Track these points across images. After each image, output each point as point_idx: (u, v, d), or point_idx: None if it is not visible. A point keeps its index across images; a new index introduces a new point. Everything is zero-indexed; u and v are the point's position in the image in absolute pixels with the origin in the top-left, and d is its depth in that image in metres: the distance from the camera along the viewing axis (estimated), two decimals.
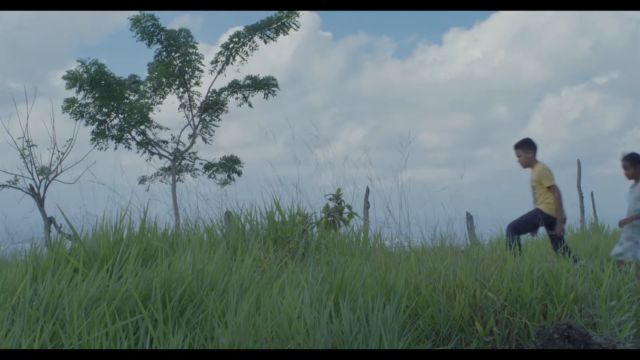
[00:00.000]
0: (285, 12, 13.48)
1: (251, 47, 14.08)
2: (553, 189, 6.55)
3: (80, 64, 13.03)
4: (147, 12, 13.21)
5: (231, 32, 14.09)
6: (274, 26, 13.71)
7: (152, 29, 13.35)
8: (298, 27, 13.83)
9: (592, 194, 12.33)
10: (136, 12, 13.21)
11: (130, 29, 13.31)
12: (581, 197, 11.93)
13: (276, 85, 14.57)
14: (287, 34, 13.90)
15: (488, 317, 3.28)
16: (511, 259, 3.83)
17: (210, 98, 14.44)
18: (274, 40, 13.98)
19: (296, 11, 13.55)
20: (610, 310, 3.44)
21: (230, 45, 14.04)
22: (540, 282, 3.54)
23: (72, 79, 13.04)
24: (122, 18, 14.82)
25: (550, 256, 4.81)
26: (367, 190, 8.32)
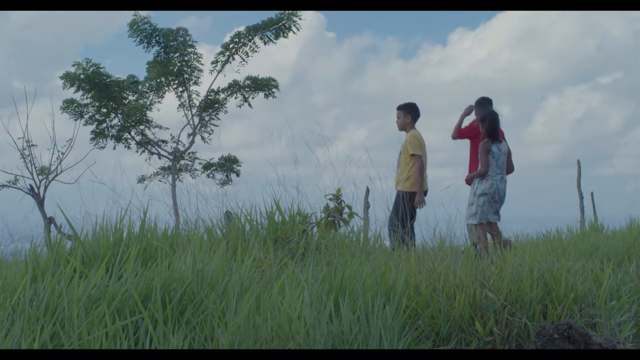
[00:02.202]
0: (286, 13, 13.46)
1: (251, 48, 14.05)
2: (416, 158, 6.68)
3: (77, 65, 13.03)
4: (143, 15, 13.20)
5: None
6: (273, 27, 13.69)
7: (150, 31, 13.33)
8: (298, 29, 13.80)
9: (592, 194, 12.33)
10: (133, 17, 13.18)
11: (129, 36, 13.31)
12: (581, 197, 11.93)
13: (276, 87, 14.54)
14: (286, 37, 13.88)
15: (488, 317, 3.28)
16: (511, 259, 3.83)
17: (210, 98, 14.43)
18: (273, 42, 13.95)
19: (297, 13, 13.53)
20: (610, 310, 3.44)
21: (231, 46, 14.02)
22: (540, 282, 3.54)
23: (69, 79, 13.04)
24: (126, 19, 14.95)
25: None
26: (367, 190, 8.33)
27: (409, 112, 6.98)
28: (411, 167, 6.68)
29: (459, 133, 7.09)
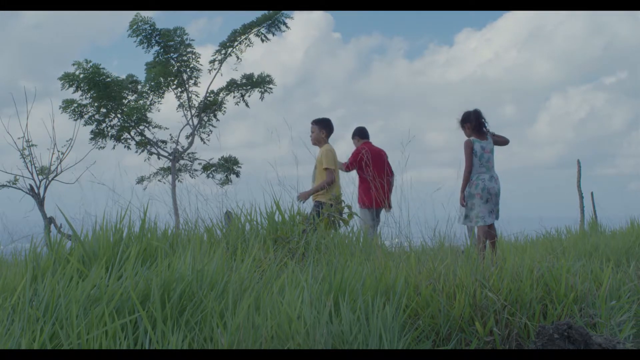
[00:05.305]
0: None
1: (246, 44, 14.06)
2: (328, 172, 6.74)
3: (76, 65, 13.03)
4: (143, 15, 13.20)
5: None
6: (265, 24, 13.70)
7: (149, 31, 13.34)
8: (287, 27, 13.83)
9: (592, 194, 12.29)
10: (133, 17, 13.18)
11: (129, 36, 13.33)
12: (581, 197, 11.91)
13: (272, 83, 14.53)
14: (278, 35, 13.92)
15: (488, 317, 3.28)
16: (511, 258, 3.83)
17: (209, 98, 14.42)
18: (267, 39, 13.97)
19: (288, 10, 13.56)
20: (610, 310, 3.44)
21: (227, 44, 14.03)
22: (540, 282, 3.54)
23: (68, 80, 13.03)
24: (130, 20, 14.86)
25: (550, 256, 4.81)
26: None
27: (324, 128, 7.12)
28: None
29: (350, 164, 7.43)
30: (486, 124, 6.23)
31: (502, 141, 6.30)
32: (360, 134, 7.84)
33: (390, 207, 7.11)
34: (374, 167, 7.06)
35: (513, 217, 7.03)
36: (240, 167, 14.95)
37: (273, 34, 13.89)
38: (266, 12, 13.61)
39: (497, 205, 6.14)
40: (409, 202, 6.48)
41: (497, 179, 6.12)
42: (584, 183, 11.77)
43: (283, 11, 13.57)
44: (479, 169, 6.06)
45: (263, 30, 13.81)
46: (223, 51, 14.08)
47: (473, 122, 6.15)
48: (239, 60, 14.15)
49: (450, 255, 4.23)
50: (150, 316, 2.98)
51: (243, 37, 13.92)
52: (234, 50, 14.07)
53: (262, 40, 14.01)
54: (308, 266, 3.80)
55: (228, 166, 14.82)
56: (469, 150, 6.07)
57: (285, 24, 13.80)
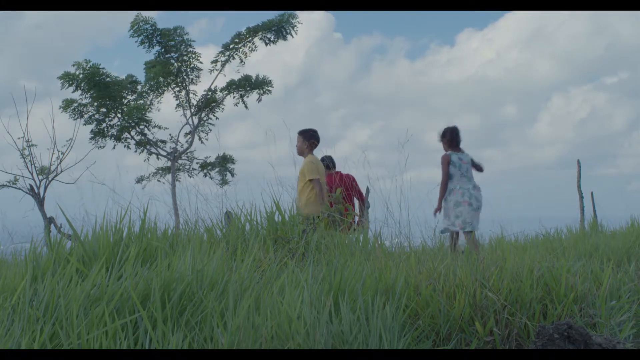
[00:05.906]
0: (285, 15, 13.48)
1: (250, 48, 14.08)
2: (314, 182, 6.77)
3: (76, 65, 13.03)
4: (144, 15, 13.21)
5: None
6: (273, 29, 13.71)
7: (150, 31, 13.35)
8: (296, 32, 13.82)
9: (592, 193, 12.28)
10: (134, 18, 13.19)
11: (130, 36, 13.35)
12: (581, 197, 11.90)
13: (270, 85, 14.55)
14: (285, 39, 13.91)
15: (488, 317, 3.28)
16: (511, 258, 3.83)
17: (207, 97, 14.44)
18: (273, 43, 13.99)
19: (295, 15, 13.57)
20: (610, 310, 3.44)
21: (231, 46, 14.05)
22: (540, 282, 3.54)
23: (68, 79, 13.02)
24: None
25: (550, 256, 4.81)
26: (367, 190, 8.33)
27: (308, 139, 7.09)
28: (309, 191, 6.79)
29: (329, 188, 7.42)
30: (460, 141, 6.54)
31: (477, 168, 6.61)
32: (326, 164, 7.91)
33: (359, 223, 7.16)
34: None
35: (513, 217, 7.06)
36: (234, 164, 14.97)
37: (284, 39, 13.91)
38: (272, 18, 13.62)
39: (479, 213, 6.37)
40: (409, 202, 6.49)
41: (480, 189, 6.40)
42: (584, 183, 11.77)
43: (290, 19, 13.59)
44: (460, 179, 6.36)
45: (269, 34, 13.82)
46: (227, 53, 14.09)
47: (448, 137, 6.50)
48: (242, 63, 14.18)
49: (450, 255, 4.23)
50: (150, 316, 2.98)
51: (247, 40, 13.94)
52: (238, 53, 14.09)
53: (266, 44, 14.02)
54: (308, 266, 3.80)
55: (223, 164, 14.85)
56: (446, 164, 6.37)
57: (290, 33, 13.81)
